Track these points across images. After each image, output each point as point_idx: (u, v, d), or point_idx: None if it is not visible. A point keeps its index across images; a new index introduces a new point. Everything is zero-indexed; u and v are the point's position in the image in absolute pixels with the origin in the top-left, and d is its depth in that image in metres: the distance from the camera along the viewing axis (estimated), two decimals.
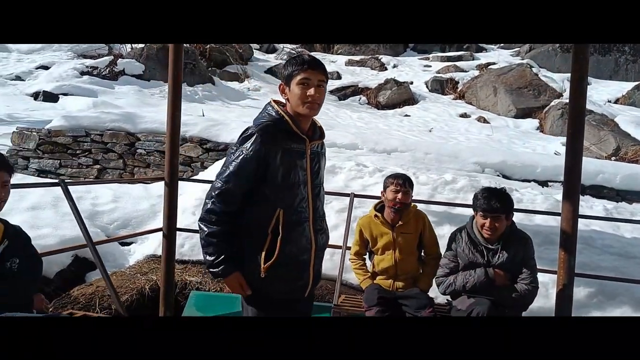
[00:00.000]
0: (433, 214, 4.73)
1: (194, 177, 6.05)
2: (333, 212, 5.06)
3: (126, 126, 7.14)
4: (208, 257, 2.17)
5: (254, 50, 18.69)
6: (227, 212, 2.16)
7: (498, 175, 6.85)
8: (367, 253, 3.68)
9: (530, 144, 11.34)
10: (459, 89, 15.98)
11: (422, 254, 3.62)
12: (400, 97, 15.10)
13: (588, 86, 14.75)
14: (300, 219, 2.20)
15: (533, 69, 15.68)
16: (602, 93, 14.85)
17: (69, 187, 3.45)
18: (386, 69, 18.26)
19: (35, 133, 7.22)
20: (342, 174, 5.74)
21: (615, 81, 16.23)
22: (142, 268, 4.76)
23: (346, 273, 4.10)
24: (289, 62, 2.22)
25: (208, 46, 16.07)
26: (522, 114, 13.83)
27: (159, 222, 5.39)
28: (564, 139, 10.84)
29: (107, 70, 13.97)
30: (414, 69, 18.18)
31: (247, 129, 2.20)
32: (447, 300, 3.49)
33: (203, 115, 9.32)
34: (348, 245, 3.95)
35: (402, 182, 3.44)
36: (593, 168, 7.00)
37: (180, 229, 4.28)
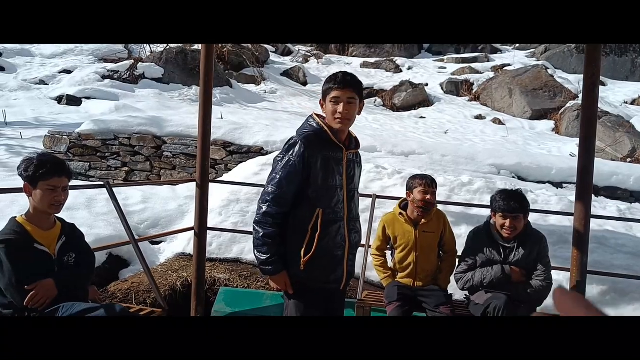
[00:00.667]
0: (451, 215, 4.91)
1: (219, 179, 6.28)
2: None
3: (153, 130, 7.42)
4: (262, 256, 2.45)
5: (270, 53, 18.95)
6: (281, 213, 2.45)
7: (513, 177, 7.00)
8: (389, 249, 3.86)
9: (545, 145, 11.42)
10: (474, 91, 16.08)
11: (441, 252, 3.77)
12: (415, 99, 15.26)
13: (604, 87, 14.78)
14: (336, 218, 2.49)
15: (549, 70, 15.73)
16: (618, 94, 14.86)
17: (113, 188, 3.68)
18: (401, 71, 18.41)
19: (66, 137, 7.53)
20: (362, 175, 5.92)
21: (631, 82, 16.23)
22: (172, 266, 4.99)
23: (368, 271, 4.30)
24: (326, 81, 2.52)
25: (225, 49, 16.36)
26: (538, 115, 13.90)
27: (186, 221, 5.65)
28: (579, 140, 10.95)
29: (128, 74, 14.31)
30: (429, 70, 18.30)
31: (291, 138, 2.50)
32: (465, 295, 3.67)
33: (222, 118, 9.57)
34: (370, 244, 4.14)
35: (430, 183, 3.59)
36: (607, 170, 7.12)
37: (210, 228, 4.50)
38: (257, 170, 6.27)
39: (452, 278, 3.67)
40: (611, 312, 4.30)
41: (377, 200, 4.76)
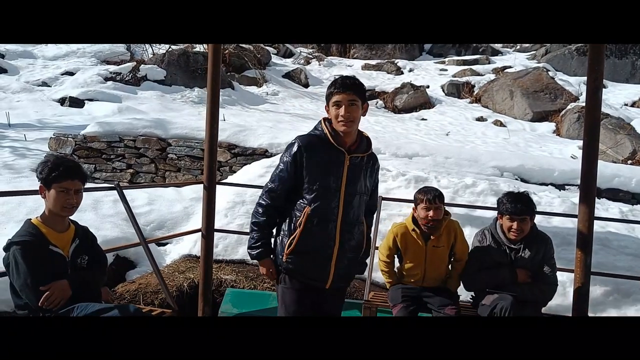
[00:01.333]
0: (454, 217, 4.95)
1: (225, 181, 6.32)
2: None
3: (157, 132, 7.47)
4: (250, 241, 2.68)
5: (271, 55, 19.01)
6: (272, 206, 2.65)
7: (516, 179, 7.04)
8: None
9: (547, 147, 11.46)
10: (475, 93, 16.13)
11: (452, 259, 3.68)
12: (416, 100, 15.31)
13: (604, 89, 14.82)
14: (326, 219, 2.58)
15: (549, 72, 15.78)
16: (618, 96, 14.91)
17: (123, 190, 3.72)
18: (402, 73, 18.47)
19: (71, 138, 7.58)
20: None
21: (632, 84, 16.28)
22: (179, 267, 5.04)
23: (374, 272, 4.34)
24: (328, 86, 2.63)
25: (227, 51, 16.41)
26: (539, 117, 13.96)
27: (192, 223, 5.69)
28: (580, 142, 10.96)
29: (130, 75, 14.36)
30: (430, 72, 18.35)
31: (292, 140, 2.65)
32: (472, 296, 3.71)
33: (224, 120, 9.63)
34: (376, 245, 4.17)
35: (432, 199, 3.43)
36: (609, 172, 7.16)
37: (217, 230, 4.54)
38: (261, 172, 6.31)
39: None
40: (614, 313, 4.35)
41: (382, 202, 4.79)
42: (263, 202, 2.65)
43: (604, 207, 6.06)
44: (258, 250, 2.65)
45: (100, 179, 7.35)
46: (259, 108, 13.86)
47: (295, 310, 2.64)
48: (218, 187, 5.65)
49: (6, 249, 2.55)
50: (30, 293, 2.50)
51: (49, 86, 14.19)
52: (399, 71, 18.62)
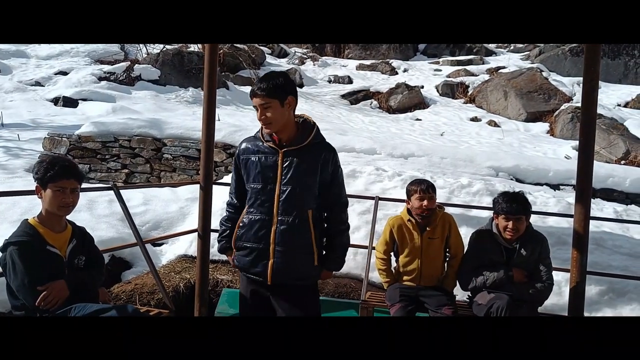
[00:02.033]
0: None
1: (220, 181, 6.30)
2: (355, 214, 5.31)
3: (152, 132, 7.44)
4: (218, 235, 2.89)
5: (266, 55, 18.98)
6: (232, 204, 2.85)
7: (511, 179, 7.08)
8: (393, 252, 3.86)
9: (541, 147, 11.52)
10: (469, 93, 16.19)
11: (447, 254, 3.71)
12: (411, 101, 15.34)
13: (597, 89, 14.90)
14: (260, 216, 2.64)
15: (543, 72, 15.86)
16: (611, 97, 15.00)
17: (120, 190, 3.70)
18: (397, 73, 18.50)
19: (65, 139, 7.54)
20: (362, 177, 6.00)
21: (624, 85, 16.39)
22: (175, 267, 5.03)
23: (371, 272, 4.35)
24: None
25: (221, 51, 16.38)
26: (533, 117, 14.03)
27: (187, 223, 5.68)
28: (574, 143, 11.05)
29: (124, 75, 14.30)
30: (424, 73, 18.40)
31: None
32: (468, 296, 3.72)
33: (219, 120, 9.60)
34: (373, 245, 4.18)
35: (425, 189, 3.48)
36: (604, 172, 7.21)
37: (214, 230, 4.52)
38: None
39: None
40: (609, 312, 4.37)
41: (378, 202, 4.80)
42: (228, 200, 2.87)
43: (598, 207, 6.10)
44: (220, 244, 2.88)
45: (95, 179, 7.32)
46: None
47: (245, 304, 2.81)
48: (214, 187, 5.63)
49: (3, 249, 2.53)
50: (27, 293, 2.48)
51: (42, 86, 14.10)
52: (393, 71, 18.66)
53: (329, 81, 17.76)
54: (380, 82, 17.23)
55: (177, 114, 11.73)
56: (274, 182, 2.61)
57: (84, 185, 2.94)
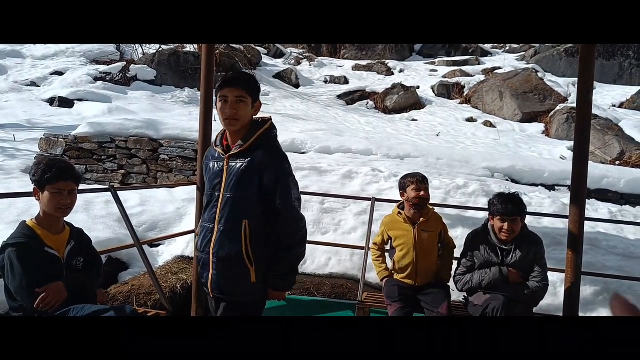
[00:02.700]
0: (446, 217, 4.99)
1: None
2: (351, 215, 5.34)
3: (149, 132, 7.44)
4: None
5: (262, 55, 18.98)
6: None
7: (507, 180, 7.11)
8: (388, 248, 3.89)
9: (536, 148, 11.55)
10: (465, 94, 16.22)
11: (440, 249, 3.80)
12: (407, 101, 15.36)
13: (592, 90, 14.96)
14: (208, 220, 2.53)
15: (538, 73, 15.91)
16: (606, 97, 15.05)
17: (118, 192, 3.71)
18: (393, 74, 18.51)
19: (62, 139, 7.53)
20: (359, 179, 6.02)
21: (619, 85, 16.43)
22: (172, 268, 5.03)
23: (367, 272, 4.37)
24: (219, 81, 2.47)
25: (217, 51, 16.37)
26: (528, 118, 14.06)
27: (184, 224, 5.69)
28: (569, 143, 11.09)
29: (120, 75, 14.28)
30: (420, 73, 18.41)
31: None
32: (464, 297, 3.75)
33: (215, 120, 9.61)
34: (369, 246, 4.20)
35: (421, 180, 3.69)
36: (598, 172, 7.25)
37: None
38: None
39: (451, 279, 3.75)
40: (604, 312, 4.40)
41: (375, 203, 4.82)
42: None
43: (593, 208, 6.14)
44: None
45: (92, 180, 7.31)
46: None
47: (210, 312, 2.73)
48: None
49: (1, 251, 2.54)
50: (26, 295, 2.49)
51: (37, 86, 14.08)
52: (389, 72, 18.67)
53: (325, 81, 17.76)
54: (376, 82, 17.24)
55: (173, 114, 11.71)
56: (220, 189, 2.47)
57: (81, 187, 2.95)
